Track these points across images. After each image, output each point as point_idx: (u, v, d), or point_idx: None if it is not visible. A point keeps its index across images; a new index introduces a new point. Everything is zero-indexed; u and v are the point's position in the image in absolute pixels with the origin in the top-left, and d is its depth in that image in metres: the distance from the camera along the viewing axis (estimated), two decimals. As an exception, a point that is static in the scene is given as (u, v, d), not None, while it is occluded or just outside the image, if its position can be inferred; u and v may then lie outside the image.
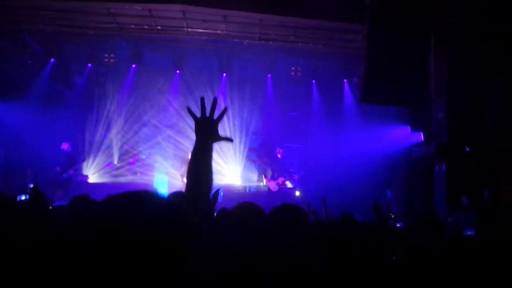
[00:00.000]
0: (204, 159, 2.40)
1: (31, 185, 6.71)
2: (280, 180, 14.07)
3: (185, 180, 13.49)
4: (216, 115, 2.49)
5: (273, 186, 13.98)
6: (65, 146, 13.94)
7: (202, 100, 2.47)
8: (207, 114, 2.47)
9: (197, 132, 2.45)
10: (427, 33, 9.95)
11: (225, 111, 2.54)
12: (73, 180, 13.63)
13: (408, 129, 13.31)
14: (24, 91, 13.76)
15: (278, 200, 13.21)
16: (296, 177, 14.35)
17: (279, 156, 14.43)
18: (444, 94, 11.34)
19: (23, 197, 6.39)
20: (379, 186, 14.07)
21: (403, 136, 13.47)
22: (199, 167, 2.39)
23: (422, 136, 12.59)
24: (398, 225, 6.87)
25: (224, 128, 15.47)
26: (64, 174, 13.44)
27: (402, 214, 11.74)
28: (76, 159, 14.28)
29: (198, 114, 2.51)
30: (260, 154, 15.84)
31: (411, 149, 13.05)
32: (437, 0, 9.92)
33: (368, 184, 14.05)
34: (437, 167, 11.60)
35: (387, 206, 6.47)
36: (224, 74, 15.62)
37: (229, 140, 2.63)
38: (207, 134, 2.44)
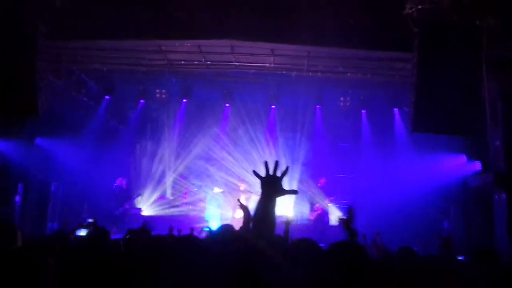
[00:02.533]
0: (269, 211, 2.65)
1: (90, 220, 6.89)
2: (316, 207, 14.22)
3: (237, 213, 13.64)
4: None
5: (312, 215, 14.19)
6: (120, 181, 14.34)
7: (266, 163, 2.76)
8: (271, 173, 2.73)
9: (263, 189, 2.70)
10: (479, 61, 9.73)
11: (287, 169, 2.78)
12: (127, 214, 13.95)
13: (463, 158, 12.89)
14: (80, 128, 14.28)
15: (322, 230, 13.30)
16: (330, 199, 14.36)
17: (318, 185, 14.54)
18: (500, 122, 10.98)
19: (81, 232, 6.53)
20: (436, 217, 13.66)
21: (459, 165, 13.06)
22: (265, 217, 2.64)
23: (480, 165, 12.15)
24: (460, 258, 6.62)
25: (272, 158, 15.50)
26: (119, 208, 13.77)
27: (461, 246, 11.34)
28: (130, 194, 14.65)
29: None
30: (309, 183, 15.78)
31: (467, 178, 12.64)
32: (488, 27, 9.71)
33: (423, 215, 13.69)
34: (496, 196, 11.16)
35: (447, 239, 6.21)
36: (273, 106, 15.73)
37: (294, 192, 2.86)
38: (272, 190, 2.69)
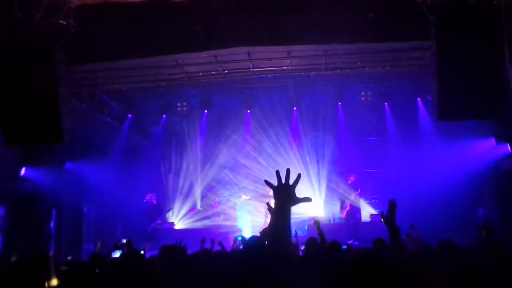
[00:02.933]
0: (284, 220, 2.66)
1: (123, 241, 6.93)
2: (346, 204, 14.11)
3: (269, 219, 13.66)
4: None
5: (342, 212, 14.22)
6: (150, 197, 14.45)
7: (277, 172, 2.73)
8: (283, 182, 2.72)
9: (276, 198, 2.69)
10: (499, 41, 9.52)
11: (299, 176, 2.74)
12: (160, 229, 14.05)
13: (492, 141, 12.66)
14: (106, 148, 14.47)
15: (353, 227, 13.22)
16: (356, 193, 14.19)
17: (349, 182, 14.43)
18: (527, 101, 10.72)
19: (116, 254, 6.58)
20: (469, 204, 13.41)
21: (488, 149, 12.82)
22: (280, 226, 2.66)
23: (509, 147, 11.91)
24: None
25: (299, 162, 15.55)
26: (152, 224, 13.88)
27: (498, 232, 11.08)
28: (162, 209, 14.76)
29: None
30: (338, 182, 15.68)
31: (498, 161, 12.39)
32: (506, 6, 9.50)
33: (456, 203, 13.47)
34: (530, 178, 10.92)
35: (484, 227, 5.99)
36: (295, 108, 15.69)
37: (308, 200, 2.80)
38: (285, 200, 2.68)
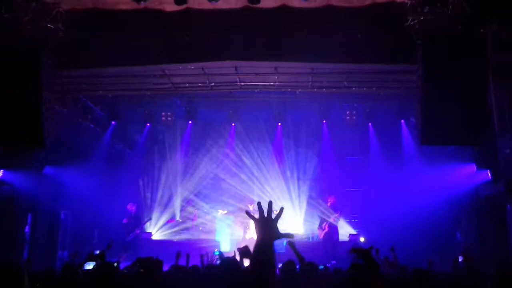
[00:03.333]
0: (267, 253, 2.56)
1: (97, 252, 6.81)
2: (324, 225, 13.96)
3: (248, 234, 13.55)
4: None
5: (320, 233, 14.03)
6: (130, 206, 14.29)
7: (259, 204, 2.63)
8: (265, 215, 2.62)
9: (258, 231, 2.60)
10: (484, 68, 9.65)
11: (281, 210, 2.65)
12: (138, 239, 13.89)
13: (473, 167, 12.75)
14: (88, 154, 14.29)
15: (331, 248, 13.14)
16: (335, 217, 14.02)
17: (328, 204, 14.28)
18: (510, 129, 10.85)
19: (90, 266, 6.45)
20: (448, 228, 13.49)
21: (469, 175, 12.91)
22: (263, 259, 2.56)
23: (490, 174, 12.01)
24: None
25: (280, 178, 15.55)
26: (131, 234, 13.71)
27: (475, 258, 11.14)
28: (140, 218, 14.60)
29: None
30: (319, 202, 15.62)
31: (478, 188, 12.48)
32: (492, 34, 9.64)
33: (435, 227, 13.53)
34: (508, 206, 11.00)
35: (464, 254, 6.01)
36: (279, 124, 15.71)
37: (290, 236, 2.75)
38: (267, 233, 2.59)
